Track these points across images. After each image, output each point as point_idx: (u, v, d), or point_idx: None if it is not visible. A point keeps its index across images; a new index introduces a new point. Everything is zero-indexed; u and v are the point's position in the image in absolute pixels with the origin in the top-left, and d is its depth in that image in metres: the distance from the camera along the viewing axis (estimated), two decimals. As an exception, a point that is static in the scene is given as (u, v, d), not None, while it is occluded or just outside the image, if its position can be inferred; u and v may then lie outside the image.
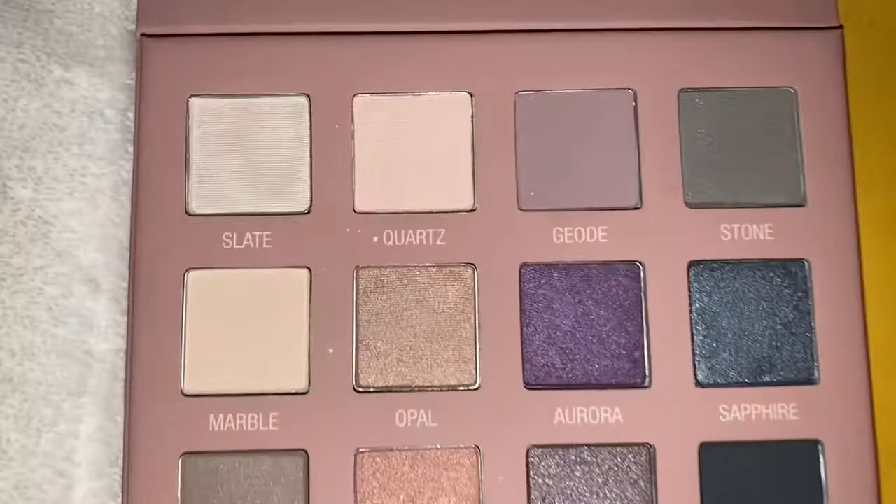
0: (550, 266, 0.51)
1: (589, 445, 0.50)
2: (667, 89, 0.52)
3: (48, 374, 0.50)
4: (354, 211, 0.51)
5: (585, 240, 0.51)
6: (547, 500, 0.50)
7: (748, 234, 0.51)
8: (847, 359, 0.50)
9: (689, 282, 0.51)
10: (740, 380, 0.51)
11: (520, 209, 0.51)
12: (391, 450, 0.49)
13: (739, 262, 0.51)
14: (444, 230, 0.51)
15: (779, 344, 0.51)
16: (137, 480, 0.48)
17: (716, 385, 0.50)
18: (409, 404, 0.50)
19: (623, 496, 0.50)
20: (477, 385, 0.51)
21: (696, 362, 0.51)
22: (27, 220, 0.52)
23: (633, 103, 0.52)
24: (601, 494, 0.50)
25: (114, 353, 0.52)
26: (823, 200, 0.51)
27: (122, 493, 0.48)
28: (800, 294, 0.51)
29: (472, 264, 0.51)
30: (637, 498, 0.50)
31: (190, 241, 0.50)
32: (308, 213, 0.51)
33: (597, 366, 0.51)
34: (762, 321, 0.51)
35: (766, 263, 0.51)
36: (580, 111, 0.52)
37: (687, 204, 0.52)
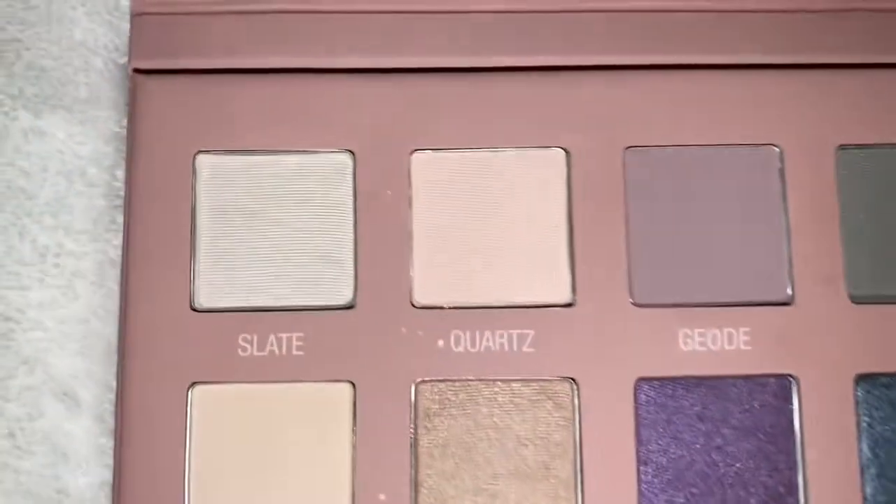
0: (675, 381, 0.42)
1: None
2: (822, 145, 0.44)
3: (8, 519, 0.43)
4: (412, 305, 0.43)
5: (722, 346, 0.42)
6: None
7: None
8: None
9: (856, 402, 0.42)
10: None
11: (633, 304, 0.43)
12: None
13: None
14: (532, 332, 0.42)
15: None
16: None
17: None
18: (488, 570, 0.41)
19: None
20: None
21: None
22: (-16, 313, 0.45)
23: (780, 164, 0.44)
24: None
25: (96, 489, 0.43)
26: None
27: None
28: None
29: (572, 379, 0.42)
30: None
31: (196, 346, 0.42)
32: (352, 307, 0.42)
33: None
34: None
35: None
36: (710, 174, 0.44)
37: (852, 298, 0.43)
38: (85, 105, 0.46)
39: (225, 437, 0.41)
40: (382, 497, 0.40)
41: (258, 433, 0.41)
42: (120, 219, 0.45)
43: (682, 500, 0.40)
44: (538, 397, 0.41)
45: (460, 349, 0.42)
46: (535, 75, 0.43)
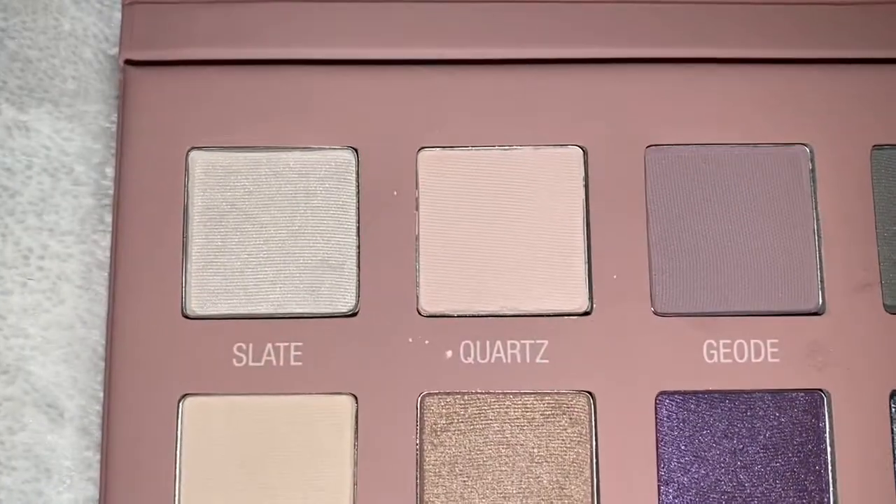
0: (698, 396, 0.39)
1: None
2: (856, 145, 0.41)
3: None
4: (419, 313, 0.40)
5: (749, 358, 0.39)
6: None
7: None
8: None
9: (891, 419, 0.39)
10: None
11: (655, 313, 0.40)
12: None
13: None
14: (546, 342, 0.39)
15: None
16: None
17: None
18: None
19: None
20: None
21: None
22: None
23: (810, 165, 0.41)
24: None
25: None
26: None
27: None
28: None
29: (588, 392, 0.39)
30: None
31: (188, 355, 0.40)
32: (354, 315, 0.40)
33: None
34: None
35: None
36: (735, 175, 0.41)
37: (887, 308, 0.40)
38: (73, 99, 0.43)
39: (217, 453, 0.39)
40: (386, 517, 0.38)
41: (253, 448, 0.39)
42: (108, 219, 0.42)
43: (706, 524, 0.38)
44: (552, 412, 0.39)
45: (470, 360, 0.39)
46: (551, 68, 0.41)
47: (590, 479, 0.38)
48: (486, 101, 0.41)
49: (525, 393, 0.39)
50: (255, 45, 0.41)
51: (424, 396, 0.39)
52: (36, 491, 0.40)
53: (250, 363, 0.39)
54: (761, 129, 0.41)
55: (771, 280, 0.40)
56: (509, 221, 0.40)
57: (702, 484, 0.38)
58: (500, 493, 0.38)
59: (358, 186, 0.40)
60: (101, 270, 0.42)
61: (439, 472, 0.38)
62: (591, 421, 0.38)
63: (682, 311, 0.39)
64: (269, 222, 0.40)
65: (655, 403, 0.39)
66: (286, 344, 0.39)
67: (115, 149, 0.42)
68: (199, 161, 0.40)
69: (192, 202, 0.40)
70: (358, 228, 0.40)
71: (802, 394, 0.39)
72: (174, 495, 0.38)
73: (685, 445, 0.38)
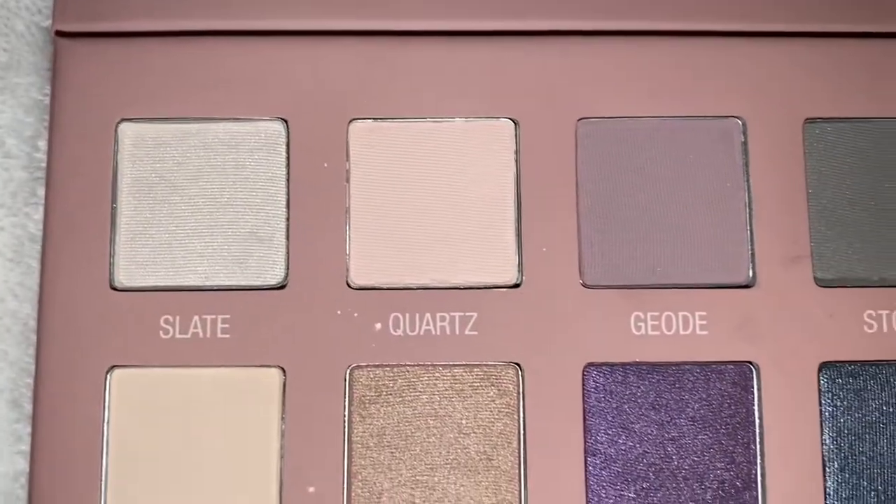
0: (626, 368, 0.39)
1: None
2: (788, 118, 0.41)
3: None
4: (348, 285, 0.40)
5: (677, 331, 0.39)
6: None
7: None
8: None
9: (819, 391, 0.39)
10: None
11: (583, 285, 0.40)
12: None
13: (890, 363, 0.40)
14: (475, 314, 0.39)
15: None
16: None
17: None
18: (424, 567, 0.39)
19: None
20: None
21: None
22: None
23: (742, 138, 0.41)
24: None
25: (10, 481, 0.41)
26: None
27: None
28: None
29: (516, 364, 0.39)
30: None
31: (115, 327, 0.39)
32: (282, 287, 0.40)
33: None
34: None
35: None
36: (667, 148, 0.41)
37: (817, 281, 0.40)
38: (4, 71, 0.43)
39: (145, 424, 0.38)
40: (312, 490, 0.38)
41: (180, 420, 0.38)
42: (41, 192, 0.42)
43: (632, 495, 0.38)
44: (481, 384, 0.38)
45: (399, 332, 0.39)
46: (483, 41, 0.41)
47: (517, 450, 0.38)
48: (417, 72, 0.40)
49: (454, 365, 0.39)
50: (186, 17, 0.41)
51: (353, 369, 0.38)
52: (-36, 464, 0.40)
53: (177, 335, 0.39)
54: (694, 102, 0.41)
55: (701, 253, 0.40)
56: (440, 194, 0.40)
57: (629, 455, 0.38)
58: (428, 465, 0.38)
59: (288, 158, 0.40)
60: (33, 244, 0.41)
61: (367, 443, 0.38)
62: (519, 392, 0.38)
63: (610, 283, 0.39)
64: (198, 194, 0.40)
65: (583, 375, 0.38)
66: (213, 316, 0.39)
67: (47, 123, 0.41)
68: (129, 133, 0.40)
69: (121, 174, 0.40)
70: (287, 200, 0.40)
71: (731, 366, 0.39)
72: (101, 468, 0.38)
73: (612, 417, 0.38)
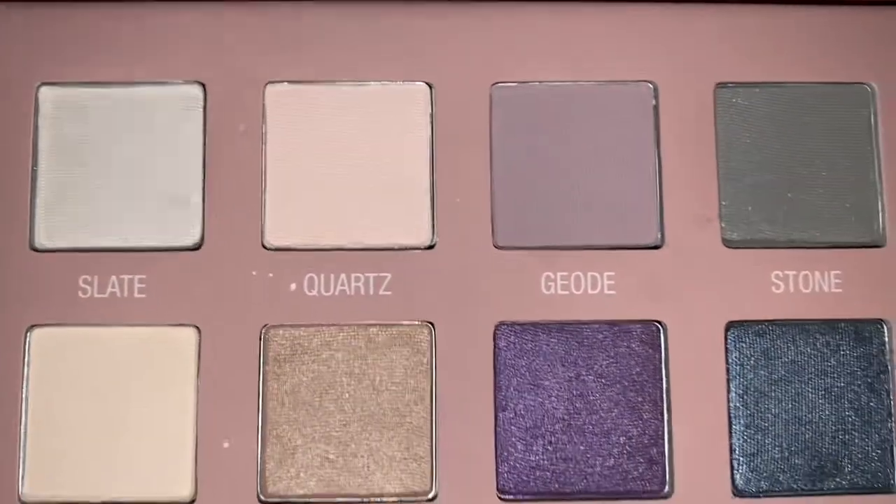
0: (537, 326, 0.40)
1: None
2: (699, 83, 0.42)
3: None
4: (264, 246, 0.40)
5: (586, 290, 0.40)
6: None
7: (808, 285, 0.41)
8: (942, 458, 0.41)
9: (726, 350, 0.40)
10: (794, 486, 0.40)
11: (496, 246, 0.41)
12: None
13: (795, 322, 0.41)
14: (389, 275, 0.40)
15: (847, 438, 0.40)
16: None
17: (760, 494, 0.40)
18: (337, 521, 0.39)
19: None
20: (433, 494, 0.39)
21: (735, 462, 0.40)
22: None
23: (653, 102, 0.42)
24: None
25: None
26: (911, 239, 0.42)
27: None
28: (876, 367, 0.41)
29: (429, 323, 0.40)
30: None
31: (34, 287, 0.40)
32: (198, 248, 0.40)
33: (599, 468, 0.39)
34: (825, 406, 0.40)
35: (832, 325, 0.41)
36: (579, 112, 0.41)
37: (725, 242, 0.41)
38: (-73, 34, 0.43)
39: (64, 383, 0.39)
40: (226, 444, 0.38)
41: (98, 378, 0.39)
42: (-39, 155, 0.43)
43: (540, 449, 0.39)
44: (395, 343, 0.39)
45: (314, 293, 0.40)
46: (398, 5, 0.41)
47: (429, 407, 0.39)
48: (333, 36, 0.41)
49: (368, 324, 0.39)
50: (106, -19, 0.41)
51: (268, 328, 0.39)
52: None
53: (95, 295, 0.39)
54: (607, 68, 0.41)
55: (611, 215, 0.40)
56: (356, 157, 0.41)
57: (538, 411, 0.39)
58: (342, 421, 0.39)
59: (204, 121, 0.40)
60: (-46, 206, 0.42)
61: (281, 400, 0.39)
62: (431, 351, 0.39)
63: (521, 244, 0.40)
64: (117, 157, 0.40)
65: (494, 334, 0.39)
66: (130, 276, 0.39)
67: (-32, 84, 0.42)
68: (49, 96, 0.40)
69: (41, 137, 0.40)
70: (204, 163, 0.40)
71: (639, 325, 0.40)
72: (21, 425, 0.39)
73: (522, 374, 0.39)
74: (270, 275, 0.39)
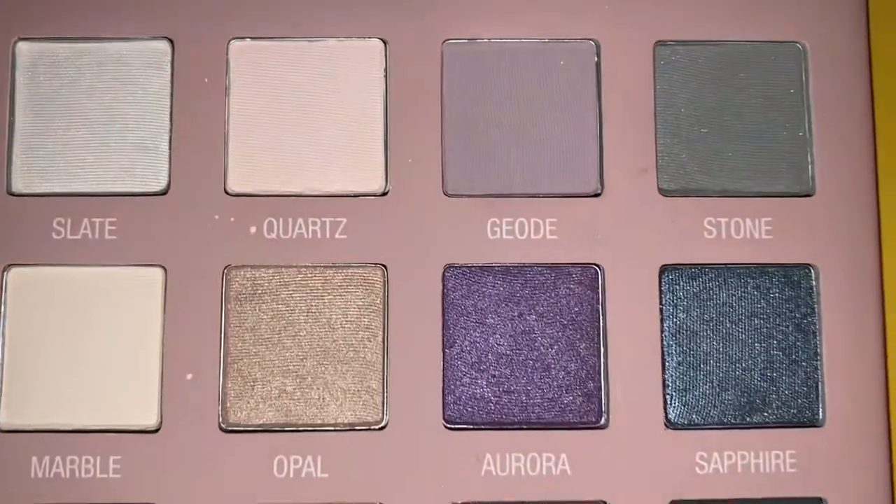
0: (483, 269, 0.42)
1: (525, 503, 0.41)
2: (638, 41, 0.44)
3: None
4: (226, 192, 0.42)
5: (529, 235, 0.42)
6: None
7: (739, 232, 0.43)
8: (861, 394, 0.42)
9: (660, 292, 0.43)
10: (724, 420, 0.42)
11: (445, 194, 0.43)
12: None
13: (726, 266, 0.43)
14: (345, 220, 0.42)
15: (774, 374, 0.43)
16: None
17: (692, 426, 0.42)
18: (294, 449, 0.41)
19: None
20: (384, 423, 0.41)
21: (668, 397, 0.42)
22: None
23: (595, 59, 0.44)
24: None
25: None
26: (836, 189, 0.43)
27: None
28: (804, 309, 0.43)
29: (382, 265, 0.42)
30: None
31: (11, 229, 0.42)
32: (165, 193, 0.42)
33: (539, 399, 0.42)
34: (754, 344, 0.43)
35: (762, 269, 0.43)
36: (526, 67, 0.44)
37: (661, 191, 0.43)
38: (-90, -9, 0.45)
39: (37, 320, 0.41)
40: (190, 377, 0.41)
41: (70, 314, 0.41)
42: (-54, 106, 0.45)
43: (484, 383, 0.41)
44: (349, 283, 0.41)
45: (273, 236, 0.42)
46: (355, -34, 0.43)
47: (382, 343, 0.41)
48: (293, -5, 0.43)
49: (325, 266, 0.42)
50: (79, -58, 0.43)
51: (230, 269, 0.41)
52: None
53: (69, 236, 0.41)
54: (552, 25, 0.43)
55: (554, 165, 0.42)
56: (314, 109, 0.43)
57: (482, 346, 0.41)
58: (299, 356, 0.41)
59: (172, 75, 0.42)
60: (-63, 154, 0.44)
61: (242, 336, 0.41)
62: (384, 291, 0.41)
63: (469, 192, 0.42)
64: (90, 108, 0.42)
65: (443, 275, 0.42)
66: (101, 220, 0.41)
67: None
68: (26, 51, 0.43)
69: (18, 90, 0.42)
70: (171, 114, 0.42)
71: (578, 268, 0.42)
72: (0, 361, 0.41)
73: (468, 313, 0.41)
74: (232, 219, 0.42)
